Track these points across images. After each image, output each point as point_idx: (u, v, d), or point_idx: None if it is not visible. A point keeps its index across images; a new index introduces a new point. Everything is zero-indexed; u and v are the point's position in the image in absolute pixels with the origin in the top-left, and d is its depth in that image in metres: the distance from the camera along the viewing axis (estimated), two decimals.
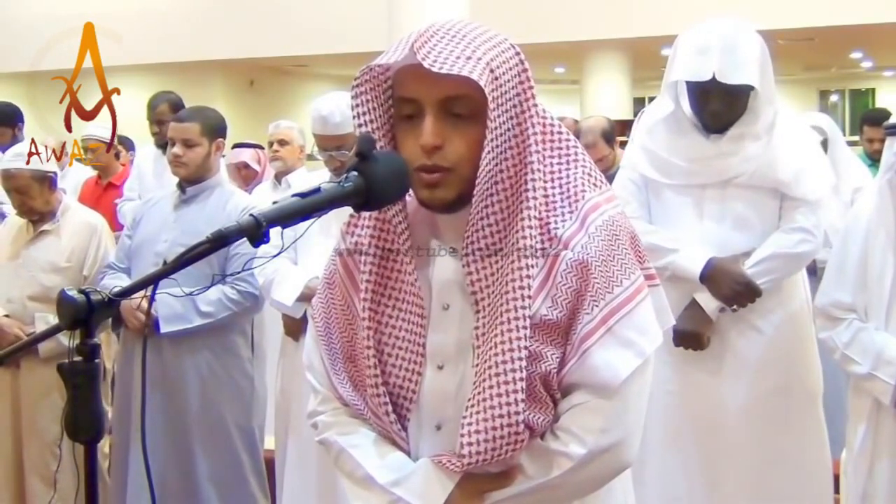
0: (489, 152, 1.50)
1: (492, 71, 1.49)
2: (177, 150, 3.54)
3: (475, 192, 1.51)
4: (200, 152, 3.55)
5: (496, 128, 1.50)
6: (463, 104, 1.51)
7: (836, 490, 3.12)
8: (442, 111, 1.52)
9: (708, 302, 2.90)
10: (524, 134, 1.54)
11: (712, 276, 2.87)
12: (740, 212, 2.93)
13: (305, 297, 3.27)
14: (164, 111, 5.21)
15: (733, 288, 2.87)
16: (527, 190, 1.53)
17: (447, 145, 1.52)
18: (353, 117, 1.57)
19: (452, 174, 1.53)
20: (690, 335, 2.91)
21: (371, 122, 1.57)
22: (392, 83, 1.57)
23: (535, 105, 1.56)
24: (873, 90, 22.25)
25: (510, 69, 1.53)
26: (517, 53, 1.56)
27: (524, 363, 1.50)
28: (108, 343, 3.93)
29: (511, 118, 1.53)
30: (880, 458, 2.61)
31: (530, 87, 1.56)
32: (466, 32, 1.53)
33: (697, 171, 2.93)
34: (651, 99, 3.37)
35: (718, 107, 2.87)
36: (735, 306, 2.90)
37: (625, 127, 7.89)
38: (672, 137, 2.97)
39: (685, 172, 2.94)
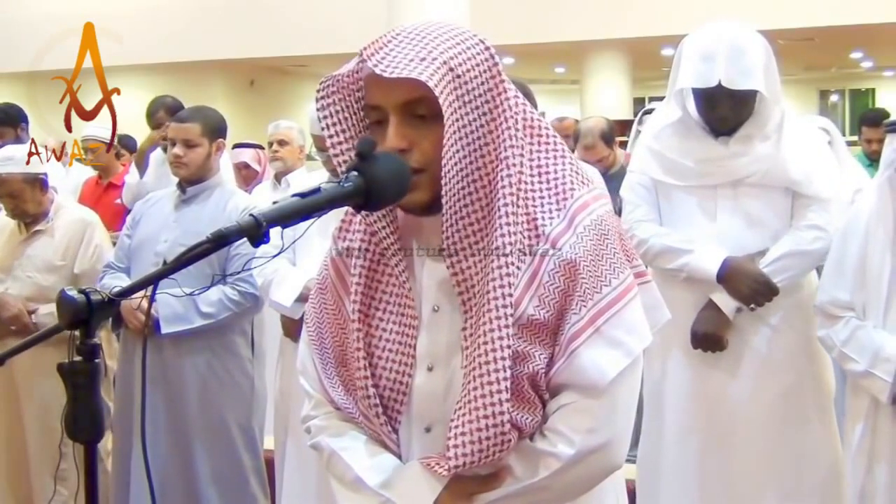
0: (457, 151, 1.48)
1: (451, 69, 1.48)
2: (177, 150, 3.53)
3: (444, 191, 1.49)
4: (201, 153, 3.54)
5: (463, 126, 1.49)
6: (424, 106, 1.49)
7: None
8: (405, 114, 1.50)
9: (726, 302, 2.89)
10: (498, 129, 1.53)
11: (730, 275, 2.87)
12: (753, 211, 2.93)
13: (304, 298, 3.26)
14: (163, 117, 5.25)
15: (752, 287, 2.86)
16: (503, 187, 1.52)
17: (415, 147, 1.51)
18: (322, 129, 1.56)
19: (424, 175, 1.51)
20: (710, 337, 2.90)
21: (342, 132, 1.56)
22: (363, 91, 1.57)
23: (509, 100, 1.54)
24: (873, 90, 22.25)
25: (477, 65, 1.51)
26: (487, 48, 1.54)
27: (508, 363, 1.49)
28: (109, 341, 3.94)
29: (483, 115, 1.51)
30: (878, 456, 2.61)
31: (502, 82, 1.54)
32: (427, 34, 1.51)
33: (709, 172, 2.93)
34: (651, 99, 3.37)
35: (726, 112, 2.88)
36: (753, 305, 2.90)
37: (625, 127, 7.91)
38: (681, 141, 2.97)
39: (696, 174, 2.94)
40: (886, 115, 6.56)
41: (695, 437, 2.97)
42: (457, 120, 1.48)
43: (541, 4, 12.76)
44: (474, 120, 1.50)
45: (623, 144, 5.94)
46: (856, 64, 19.69)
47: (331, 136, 1.56)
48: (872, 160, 5.91)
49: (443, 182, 1.49)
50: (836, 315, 2.66)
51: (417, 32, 1.52)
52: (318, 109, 1.55)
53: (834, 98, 22.94)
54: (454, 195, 1.50)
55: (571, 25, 13.00)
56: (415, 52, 1.48)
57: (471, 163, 1.51)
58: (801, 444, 2.94)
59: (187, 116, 3.60)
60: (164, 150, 4.86)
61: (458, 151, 1.49)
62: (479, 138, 1.51)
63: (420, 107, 1.50)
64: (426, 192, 1.52)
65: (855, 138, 7.28)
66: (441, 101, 1.46)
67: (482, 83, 1.51)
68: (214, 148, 3.58)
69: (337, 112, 1.56)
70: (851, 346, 2.62)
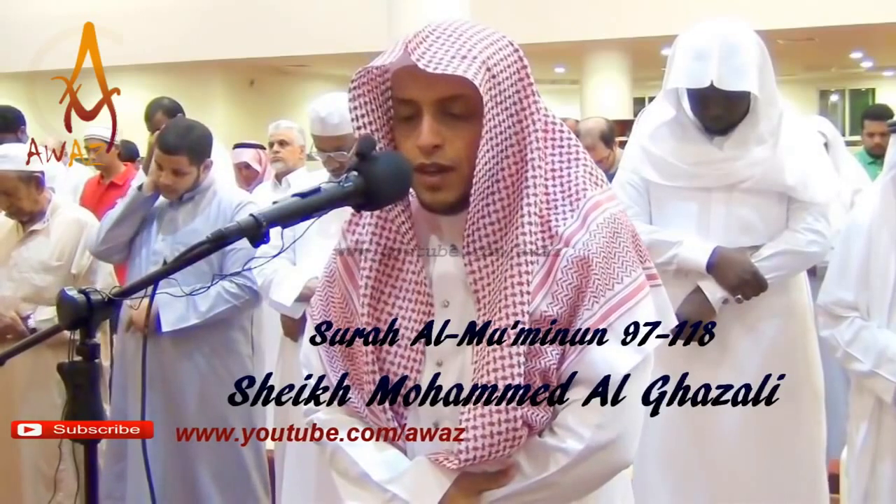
0: (488, 151, 1.50)
1: (489, 69, 1.49)
2: (165, 179, 3.52)
3: (473, 190, 1.50)
4: (189, 179, 3.57)
5: (494, 126, 1.50)
6: (460, 104, 1.51)
7: (835, 490, 3.12)
8: (440, 111, 1.51)
9: (713, 291, 2.88)
10: (525, 131, 1.54)
11: (719, 263, 2.85)
12: (746, 217, 2.91)
13: (304, 298, 3.27)
14: (161, 119, 5.27)
15: (740, 276, 2.85)
16: (527, 187, 1.53)
17: (446, 145, 1.52)
18: (352, 120, 1.57)
19: (453, 174, 1.53)
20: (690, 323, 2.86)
21: (370, 124, 1.57)
22: (390, 85, 1.57)
23: (536, 102, 1.56)
24: (873, 90, 22.25)
25: (508, 66, 1.53)
26: (516, 51, 1.56)
27: (522, 359, 1.50)
28: (106, 342, 3.93)
29: (511, 115, 1.53)
30: (882, 456, 2.61)
31: (530, 85, 1.56)
32: (463, 31, 1.52)
33: (703, 175, 2.91)
34: (651, 99, 3.35)
35: (719, 111, 2.86)
36: (740, 297, 2.88)
37: (625, 127, 7.90)
38: (677, 142, 2.95)
39: (690, 175, 2.92)
40: (890, 110, 6.54)
41: (678, 443, 2.94)
42: (489, 120, 1.49)
43: (541, 4, 12.76)
44: (503, 121, 1.52)
45: (623, 144, 5.94)
46: (856, 64, 19.69)
47: (359, 129, 1.57)
48: (875, 155, 5.86)
49: (474, 181, 1.50)
50: (841, 315, 2.65)
51: (454, 29, 1.53)
52: (349, 100, 1.56)
53: (834, 98, 22.93)
54: (481, 194, 1.51)
55: (571, 25, 12.99)
56: (455, 49, 1.49)
57: (498, 163, 1.52)
58: (785, 449, 2.92)
59: (175, 147, 3.50)
60: None
61: (488, 151, 1.50)
62: (506, 139, 1.53)
63: (455, 105, 1.51)
64: (454, 191, 1.54)
65: (855, 138, 7.28)
66: (485, 100, 1.47)
67: (512, 84, 1.53)
68: (202, 169, 3.60)
69: (365, 104, 1.57)
70: (856, 347, 2.61)
